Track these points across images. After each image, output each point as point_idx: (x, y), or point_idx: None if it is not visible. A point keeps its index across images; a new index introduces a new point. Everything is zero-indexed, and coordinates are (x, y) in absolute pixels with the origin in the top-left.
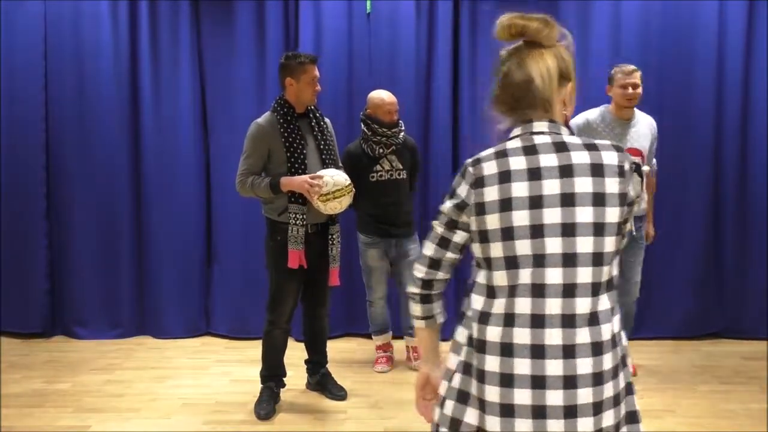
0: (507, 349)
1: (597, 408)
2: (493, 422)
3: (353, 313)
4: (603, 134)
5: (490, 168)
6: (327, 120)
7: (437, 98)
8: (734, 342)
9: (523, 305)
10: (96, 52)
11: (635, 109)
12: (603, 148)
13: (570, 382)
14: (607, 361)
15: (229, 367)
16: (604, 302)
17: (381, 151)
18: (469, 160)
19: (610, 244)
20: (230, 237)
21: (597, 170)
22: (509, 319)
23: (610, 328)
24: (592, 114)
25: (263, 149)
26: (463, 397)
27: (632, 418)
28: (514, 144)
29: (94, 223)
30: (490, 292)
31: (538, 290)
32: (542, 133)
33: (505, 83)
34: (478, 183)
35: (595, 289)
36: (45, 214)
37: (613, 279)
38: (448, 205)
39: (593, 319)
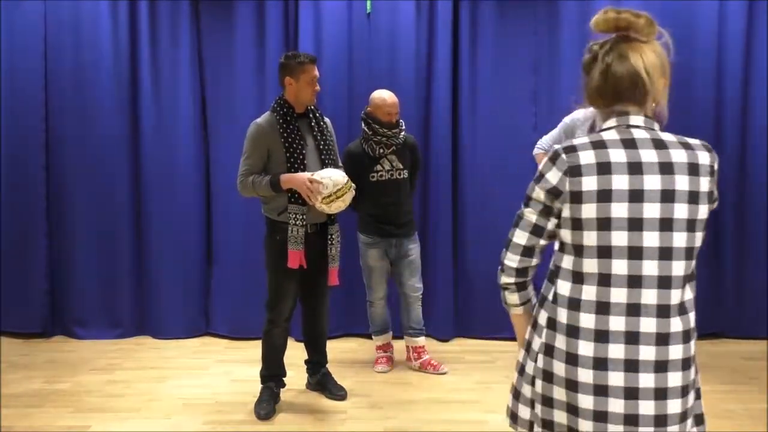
0: (602, 336)
1: (684, 391)
2: (586, 401)
3: (353, 313)
4: (580, 133)
5: (587, 157)
6: (327, 120)
7: (437, 98)
8: (734, 342)
9: (619, 295)
10: (96, 52)
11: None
12: (697, 147)
13: (662, 367)
14: (693, 348)
15: (229, 367)
16: (688, 292)
17: (381, 151)
18: (560, 147)
19: (699, 239)
20: (230, 237)
21: (693, 169)
22: (603, 307)
23: (694, 315)
24: (580, 113)
25: (263, 149)
26: (548, 377)
27: (697, 393)
28: (611, 136)
29: (94, 223)
30: (577, 278)
31: (635, 281)
32: (638, 127)
33: (608, 75)
34: (574, 171)
35: (684, 281)
36: (45, 214)
37: (694, 270)
38: (539, 191)
39: (682, 309)
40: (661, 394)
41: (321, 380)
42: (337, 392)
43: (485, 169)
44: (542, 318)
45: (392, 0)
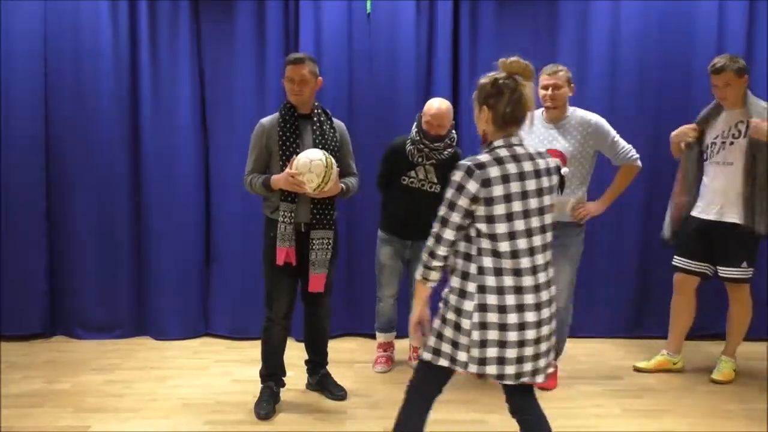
0: (519, 290)
1: (550, 319)
2: (512, 335)
3: (354, 313)
4: (525, 136)
5: (494, 172)
6: (339, 124)
7: None
8: None
9: (525, 262)
10: (95, 51)
11: (575, 109)
12: (548, 156)
13: (550, 302)
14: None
15: (229, 367)
16: (548, 256)
17: (420, 159)
18: (472, 164)
19: (552, 218)
20: (230, 237)
21: (548, 171)
22: (517, 272)
23: (551, 272)
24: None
25: (262, 148)
26: (484, 326)
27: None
28: (504, 153)
29: (94, 223)
30: (496, 255)
31: (531, 251)
32: (518, 145)
33: (516, 107)
34: (486, 183)
35: (549, 247)
36: (45, 214)
37: None
38: (463, 199)
39: (548, 265)
40: (549, 320)
41: (321, 380)
42: (337, 392)
43: None
44: (471, 287)
45: (392, 0)
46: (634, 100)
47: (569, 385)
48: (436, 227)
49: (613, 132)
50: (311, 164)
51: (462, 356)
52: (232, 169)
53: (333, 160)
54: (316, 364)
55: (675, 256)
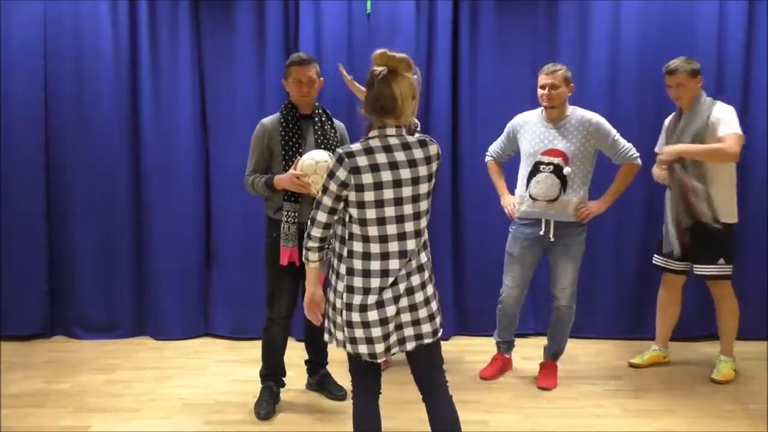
0: (384, 274)
1: (433, 297)
2: (373, 315)
3: None
4: (524, 135)
5: (362, 161)
6: (339, 124)
7: (437, 98)
8: (734, 342)
9: (393, 246)
10: (95, 51)
11: (575, 108)
12: (430, 143)
13: (424, 285)
14: (429, 265)
15: (229, 367)
16: (426, 236)
17: None
18: (344, 153)
19: (429, 202)
20: (230, 237)
21: (428, 160)
22: (385, 256)
23: (425, 256)
24: (524, 115)
25: (263, 148)
26: (349, 307)
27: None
28: (375, 143)
29: (94, 223)
30: (366, 239)
31: (402, 236)
32: (392, 135)
33: (379, 96)
34: (355, 171)
35: (425, 231)
36: (45, 214)
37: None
38: (333, 184)
39: (425, 245)
40: (410, 291)
41: (321, 380)
42: (336, 392)
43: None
44: (342, 269)
45: (392, 0)
46: (634, 100)
47: (569, 385)
48: (313, 210)
49: (613, 131)
50: (317, 166)
51: (339, 335)
52: (232, 169)
53: None
54: (316, 364)
55: (655, 255)
